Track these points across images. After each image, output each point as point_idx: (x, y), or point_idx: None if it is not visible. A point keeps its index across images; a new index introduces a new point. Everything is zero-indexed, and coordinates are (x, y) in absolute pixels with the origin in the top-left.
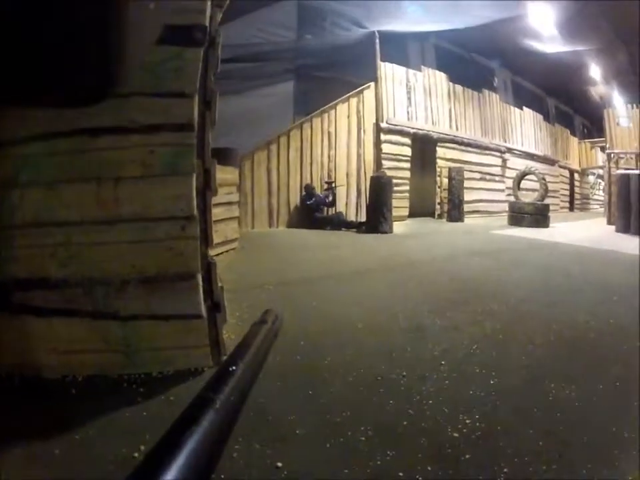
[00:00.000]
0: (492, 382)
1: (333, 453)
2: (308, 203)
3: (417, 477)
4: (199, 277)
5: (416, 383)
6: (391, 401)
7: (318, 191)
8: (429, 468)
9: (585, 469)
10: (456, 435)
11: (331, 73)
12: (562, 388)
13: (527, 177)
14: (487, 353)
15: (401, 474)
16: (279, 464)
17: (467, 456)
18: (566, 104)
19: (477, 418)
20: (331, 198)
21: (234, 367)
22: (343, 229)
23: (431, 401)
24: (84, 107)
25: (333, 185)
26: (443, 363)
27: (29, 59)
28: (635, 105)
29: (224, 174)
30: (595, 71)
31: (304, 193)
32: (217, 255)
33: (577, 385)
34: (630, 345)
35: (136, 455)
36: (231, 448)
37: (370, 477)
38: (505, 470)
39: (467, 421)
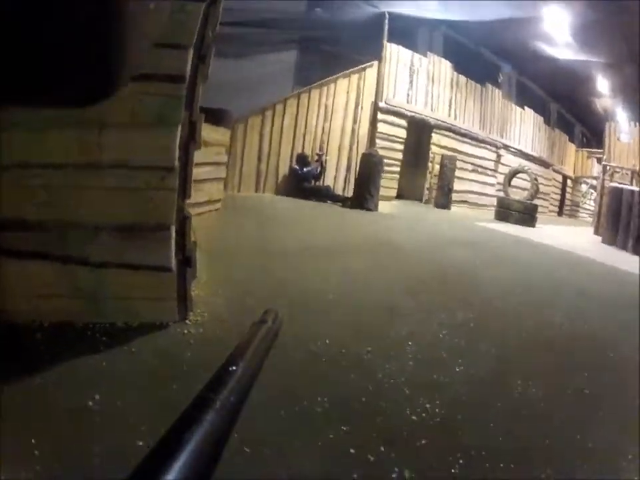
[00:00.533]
0: (457, 369)
1: (285, 422)
2: (299, 172)
3: (368, 456)
4: (173, 230)
5: (380, 361)
6: (352, 375)
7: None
8: (382, 449)
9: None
10: (414, 418)
11: (336, 48)
12: (527, 385)
13: (519, 174)
14: (455, 341)
15: (352, 450)
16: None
17: (423, 442)
18: (569, 111)
19: (438, 404)
20: (319, 170)
21: (234, 367)
22: (329, 201)
23: (392, 380)
24: (85, 107)
25: (323, 157)
26: (409, 343)
27: (29, 58)
28: (638, 123)
29: (215, 134)
30: (602, 83)
31: (295, 161)
32: (200, 214)
33: (541, 383)
34: (599, 352)
35: (90, 403)
36: None
37: (319, 450)
38: (461, 461)
39: (427, 406)
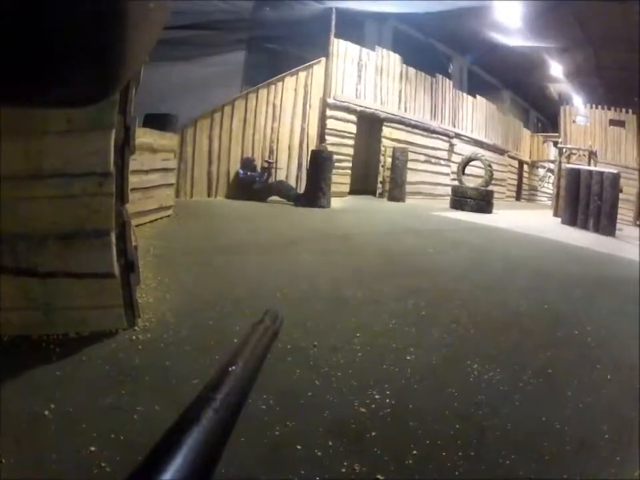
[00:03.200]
0: (408, 358)
1: None
2: (241, 177)
3: (316, 451)
4: (113, 235)
5: (326, 354)
6: (298, 370)
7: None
8: (330, 443)
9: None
10: (363, 410)
11: (285, 46)
12: (482, 369)
13: (472, 162)
14: (406, 329)
15: (298, 447)
16: None
17: (373, 434)
18: (522, 97)
19: (388, 394)
20: (265, 176)
21: (234, 367)
22: (282, 199)
23: (339, 373)
24: (85, 107)
25: (272, 164)
26: (357, 335)
27: (28, 58)
28: (594, 106)
29: (162, 139)
30: (556, 68)
31: (241, 165)
32: (151, 221)
33: (497, 366)
34: (554, 332)
35: (46, 412)
36: None
37: (266, 448)
38: (414, 452)
39: (377, 397)
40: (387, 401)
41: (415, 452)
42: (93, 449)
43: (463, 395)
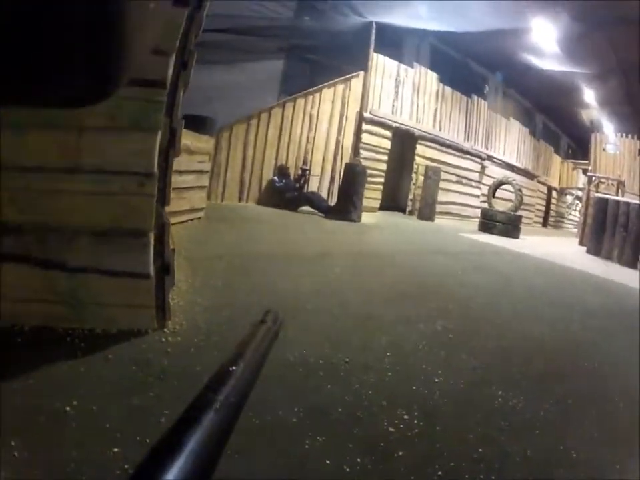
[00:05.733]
0: (436, 380)
1: (259, 433)
2: (277, 185)
3: (344, 466)
4: (151, 236)
5: (357, 371)
6: (329, 386)
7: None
8: (359, 460)
9: None
10: (392, 429)
11: (323, 57)
12: (506, 395)
13: (503, 186)
14: (435, 351)
15: (327, 462)
16: None
17: (401, 453)
18: (554, 122)
19: (416, 415)
20: (301, 183)
21: (234, 367)
22: (314, 210)
23: (370, 392)
24: (85, 107)
25: (307, 172)
26: (388, 354)
27: (28, 58)
28: (624, 135)
29: (198, 142)
30: (589, 95)
31: (276, 173)
32: (182, 222)
33: (520, 393)
34: (574, 363)
35: (68, 409)
36: None
37: (294, 461)
38: (439, 473)
39: (405, 417)
40: (415, 422)
41: (440, 473)
42: (116, 450)
43: (486, 417)
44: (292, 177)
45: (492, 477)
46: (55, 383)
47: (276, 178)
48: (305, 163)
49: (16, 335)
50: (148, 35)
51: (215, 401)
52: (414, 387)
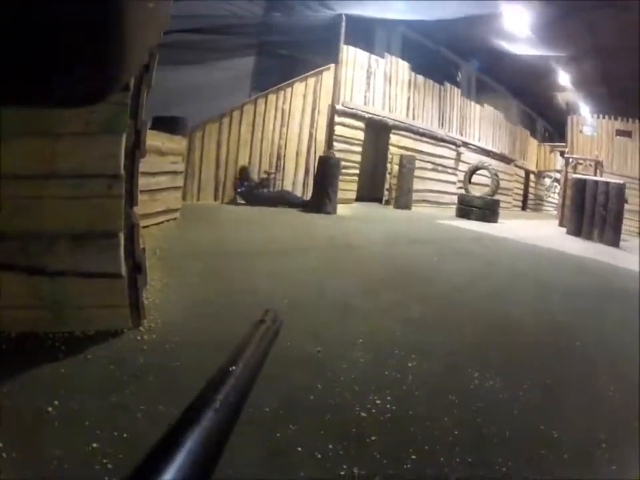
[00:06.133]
0: (410, 365)
1: None
2: (238, 190)
3: (316, 453)
4: (121, 236)
5: (330, 360)
6: (302, 375)
7: (259, 170)
8: (330, 446)
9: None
10: (364, 414)
11: (294, 52)
12: (484, 377)
13: (479, 171)
14: (409, 336)
15: (299, 449)
16: None
17: (373, 438)
18: (530, 106)
19: (389, 400)
20: (264, 190)
21: (234, 367)
22: (287, 206)
23: (342, 378)
24: (83, 107)
25: (272, 176)
26: (360, 341)
27: (27, 58)
28: (601, 116)
29: (170, 142)
30: (564, 77)
31: (238, 176)
32: (158, 224)
33: (497, 374)
34: (557, 345)
35: (50, 409)
36: None
37: (268, 451)
38: (413, 457)
39: (378, 402)
40: (388, 406)
41: (413, 457)
42: (95, 445)
43: (463, 400)
44: (257, 176)
45: None
46: (37, 386)
47: (238, 182)
48: (277, 161)
49: (2, 342)
50: (148, 34)
51: (215, 400)
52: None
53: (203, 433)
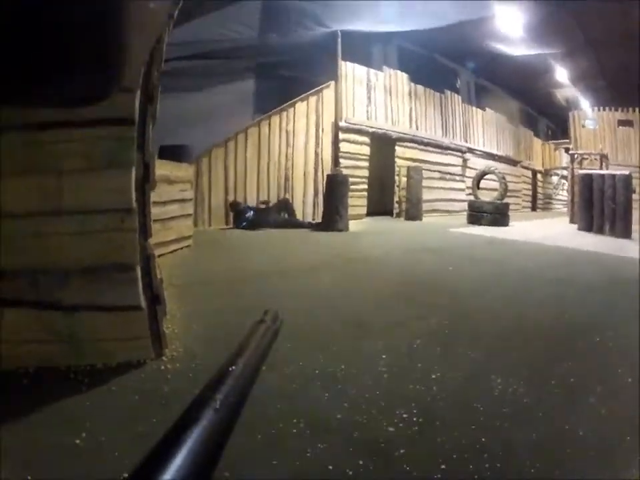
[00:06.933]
0: (433, 376)
1: (261, 445)
2: (242, 224)
3: (347, 470)
4: (138, 269)
5: (353, 377)
6: (326, 394)
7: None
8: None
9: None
10: (391, 429)
11: (292, 71)
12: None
13: (486, 176)
14: (430, 348)
15: (330, 467)
16: None
17: (402, 451)
18: (530, 106)
19: (415, 412)
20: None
21: (234, 367)
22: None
23: (367, 395)
24: (90, 105)
25: (270, 205)
26: (384, 357)
27: (30, 58)
28: (601, 108)
29: (177, 171)
30: (561, 74)
31: (232, 210)
32: (171, 252)
33: (521, 381)
34: (573, 342)
35: (77, 441)
36: None
37: (298, 470)
38: (443, 467)
39: (405, 415)
40: (414, 419)
41: (443, 466)
42: (125, 475)
43: (487, 407)
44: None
45: None
46: (63, 418)
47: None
48: (283, 186)
49: (22, 377)
50: (148, 35)
51: (215, 400)
52: None
53: (202, 432)
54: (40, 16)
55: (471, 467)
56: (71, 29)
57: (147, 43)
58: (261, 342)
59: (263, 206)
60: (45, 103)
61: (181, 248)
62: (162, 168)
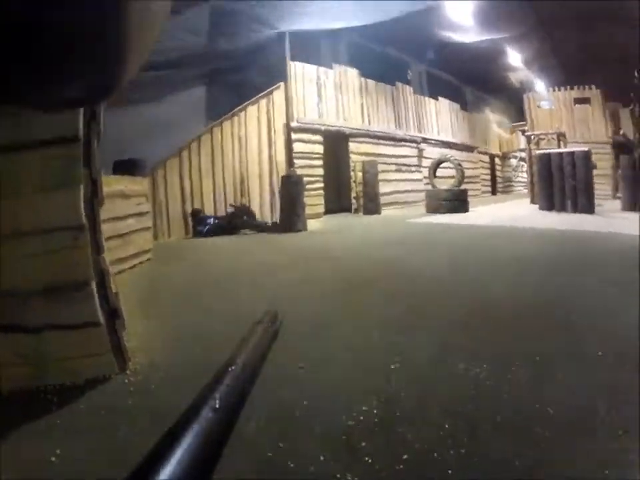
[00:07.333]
0: (392, 367)
1: None
2: (203, 231)
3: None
4: (93, 285)
5: (312, 374)
6: (286, 392)
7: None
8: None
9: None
10: (351, 423)
11: (243, 76)
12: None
13: (442, 164)
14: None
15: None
16: None
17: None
18: (484, 91)
19: (375, 405)
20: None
21: (233, 367)
22: (254, 230)
23: (327, 390)
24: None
25: (242, 209)
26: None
27: (29, 58)
28: (556, 88)
29: (132, 185)
30: (514, 57)
31: (192, 220)
32: (131, 267)
33: (485, 363)
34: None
35: (53, 459)
36: None
37: (257, 467)
38: (405, 457)
39: (364, 408)
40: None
41: (405, 456)
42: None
43: (453, 389)
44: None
45: None
46: (36, 438)
47: (198, 227)
48: (239, 190)
49: None
50: (148, 35)
51: (214, 400)
52: None
53: (202, 432)
54: (39, 17)
55: None
56: (70, 29)
57: (147, 43)
58: (260, 343)
59: (231, 209)
60: (43, 104)
61: (140, 262)
62: (117, 183)
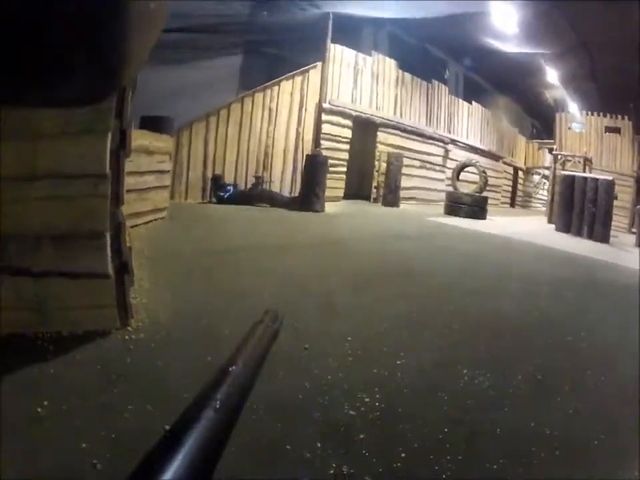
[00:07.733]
0: (398, 362)
1: None
2: (224, 195)
3: (306, 453)
4: (108, 236)
5: (317, 358)
6: (289, 375)
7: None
8: (319, 444)
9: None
10: (353, 413)
11: (281, 50)
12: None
13: (467, 168)
14: (397, 332)
15: (288, 447)
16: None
17: (362, 436)
18: (518, 104)
19: (378, 397)
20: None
21: (234, 367)
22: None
23: (329, 377)
24: (86, 106)
25: (261, 180)
26: (349, 339)
27: (30, 58)
28: (589, 113)
29: (157, 142)
30: (551, 74)
31: (211, 183)
32: (145, 223)
33: (488, 371)
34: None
35: (39, 410)
36: None
37: (256, 451)
38: (403, 455)
39: (367, 400)
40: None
41: (403, 454)
42: (84, 445)
43: (453, 397)
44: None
45: None
46: (27, 386)
47: (220, 193)
48: (264, 162)
49: None
50: (148, 34)
51: (215, 400)
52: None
53: (203, 432)
54: (40, 17)
55: None
56: (71, 29)
57: (147, 43)
58: (260, 342)
59: (254, 180)
60: (45, 103)
61: (155, 219)
62: (142, 138)
